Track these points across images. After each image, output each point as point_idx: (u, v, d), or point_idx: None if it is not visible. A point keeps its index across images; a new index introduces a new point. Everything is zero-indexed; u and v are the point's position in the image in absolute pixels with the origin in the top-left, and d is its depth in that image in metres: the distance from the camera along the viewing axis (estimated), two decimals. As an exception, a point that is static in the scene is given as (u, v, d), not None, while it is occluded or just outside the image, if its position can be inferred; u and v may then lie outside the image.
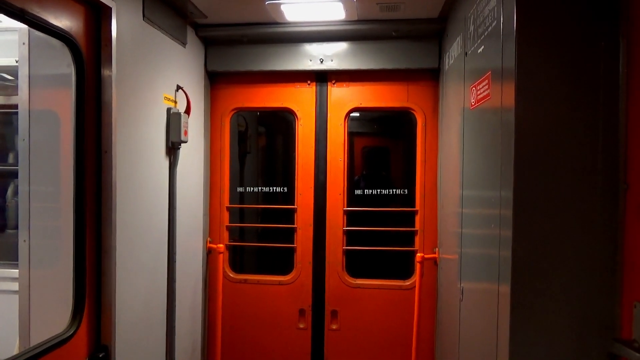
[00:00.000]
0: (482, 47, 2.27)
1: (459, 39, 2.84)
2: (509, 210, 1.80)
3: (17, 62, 2.58)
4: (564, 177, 1.76)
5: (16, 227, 2.76)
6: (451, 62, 3.12)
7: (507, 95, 1.87)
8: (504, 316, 1.82)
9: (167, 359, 3.14)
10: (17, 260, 2.54)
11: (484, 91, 2.22)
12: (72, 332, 2.20)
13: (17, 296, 2.52)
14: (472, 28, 2.48)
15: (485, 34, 2.20)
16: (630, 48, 1.69)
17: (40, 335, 2.21)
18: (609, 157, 1.73)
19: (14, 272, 2.71)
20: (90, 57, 2.34)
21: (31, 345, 2.08)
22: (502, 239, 1.90)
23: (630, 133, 1.69)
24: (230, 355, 3.92)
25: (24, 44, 2.48)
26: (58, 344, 2.12)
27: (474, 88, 2.42)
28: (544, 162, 1.77)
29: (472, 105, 2.47)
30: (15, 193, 3.80)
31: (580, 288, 1.74)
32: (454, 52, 3.02)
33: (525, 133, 1.77)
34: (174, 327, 3.18)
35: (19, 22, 1.98)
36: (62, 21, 2.14)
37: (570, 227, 1.75)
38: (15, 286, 2.59)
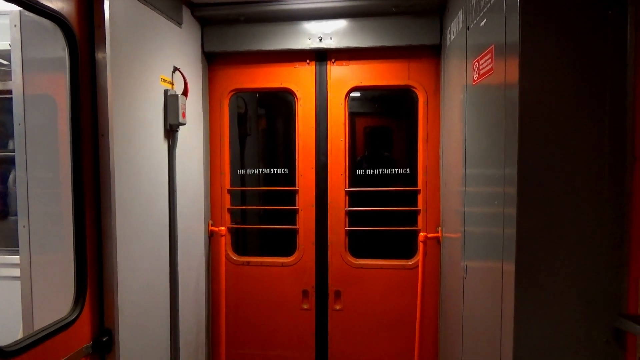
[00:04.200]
0: (485, 20, 2.21)
1: (460, 13, 2.77)
2: (513, 187, 1.76)
3: (10, 45, 2.53)
4: (570, 153, 1.73)
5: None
6: (453, 37, 3.06)
7: (510, 71, 1.82)
8: (508, 293, 1.81)
9: (172, 341, 3.16)
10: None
11: (486, 65, 2.17)
12: (74, 316, 2.20)
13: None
14: (474, 1, 2.41)
15: (488, 6, 2.13)
16: (639, 15, 1.63)
17: (44, 320, 2.21)
18: (617, 131, 1.69)
19: (17, 259, 2.70)
20: (83, 39, 2.29)
21: (34, 330, 2.08)
22: (506, 216, 1.87)
23: (639, 105, 1.65)
24: (235, 336, 3.95)
25: (15, 26, 2.43)
26: (61, 328, 2.11)
27: (476, 63, 2.36)
28: (549, 137, 1.73)
29: (474, 81, 2.42)
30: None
31: (586, 264, 1.72)
32: (455, 27, 2.95)
33: (530, 108, 1.73)
34: (178, 309, 3.19)
35: (9, 4, 1.93)
36: (53, 1, 2.08)
37: (576, 203, 1.72)
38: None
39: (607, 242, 1.71)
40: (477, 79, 2.35)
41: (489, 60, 2.12)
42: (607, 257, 1.71)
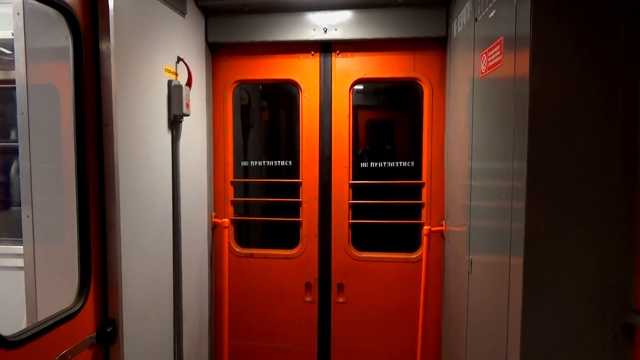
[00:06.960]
0: (494, 11, 2.18)
1: (468, 5, 2.74)
2: (522, 181, 1.75)
3: (13, 34, 2.50)
4: (580, 147, 1.71)
5: (20, 204, 2.74)
6: (459, 29, 3.02)
7: (520, 63, 1.80)
8: (516, 288, 1.79)
9: (175, 332, 3.16)
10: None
11: (495, 57, 2.14)
12: (78, 306, 2.19)
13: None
14: (483, -8, 2.38)
15: (498, -3, 2.10)
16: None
17: (48, 311, 2.20)
18: (628, 125, 1.67)
19: (21, 249, 2.70)
20: (87, 29, 2.27)
21: (38, 321, 2.08)
22: (514, 210, 1.85)
23: (651, 99, 1.63)
24: (238, 328, 3.95)
25: (18, 14, 2.40)
26: (65, 318, 2.11)
27: (484, 55, 2.33)
28: (559, 131, 1.71)
29: (482, 73, 2.39)
30: (19, 170, 3.76)
31: (596, 258, 1.70)
32: (462, 18, 2.92)
33: (540, 101, 1.71)
34: (181, 300, 3.19)
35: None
36: (57, -11, 2.06)
37: (586, 197, 1.71)
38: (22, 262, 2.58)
39: (617, 237, 1.69)
40: (485, 71, 2.32)
41: (498, 52, 2.10)
42: (617, 252, 1.70)
